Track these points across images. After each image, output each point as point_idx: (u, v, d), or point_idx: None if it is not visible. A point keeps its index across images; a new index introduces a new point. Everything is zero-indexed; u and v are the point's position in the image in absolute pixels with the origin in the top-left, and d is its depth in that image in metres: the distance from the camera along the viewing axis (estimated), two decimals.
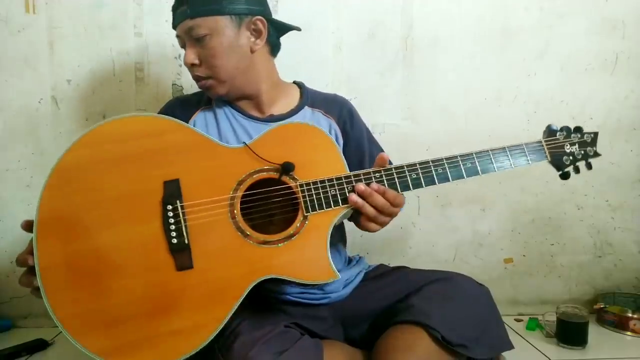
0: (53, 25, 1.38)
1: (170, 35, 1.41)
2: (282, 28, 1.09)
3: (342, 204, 0.87)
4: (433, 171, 0.89)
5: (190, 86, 1.44)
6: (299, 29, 1.11)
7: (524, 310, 1.56)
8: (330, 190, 0.88)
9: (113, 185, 0.81)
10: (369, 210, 0.86)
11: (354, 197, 0.86)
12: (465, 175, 0.90)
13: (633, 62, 1.54)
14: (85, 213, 0.79)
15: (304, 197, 0.87)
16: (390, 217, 0.89)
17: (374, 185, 0.87)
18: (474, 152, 0.92)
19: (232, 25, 0.98)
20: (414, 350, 0.85)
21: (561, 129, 0.97)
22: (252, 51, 1.02)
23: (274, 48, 1.09)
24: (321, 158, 0.91)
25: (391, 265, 1.17)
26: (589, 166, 0.97)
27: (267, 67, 1.08)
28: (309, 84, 1.18)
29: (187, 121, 1.07)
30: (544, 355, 1.26)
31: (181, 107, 1.10)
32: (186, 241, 0.81)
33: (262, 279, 0.82)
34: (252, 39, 1.01)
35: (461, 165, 0.90)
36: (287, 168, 0.87)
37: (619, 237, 1.59)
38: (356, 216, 0.91)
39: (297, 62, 1.45)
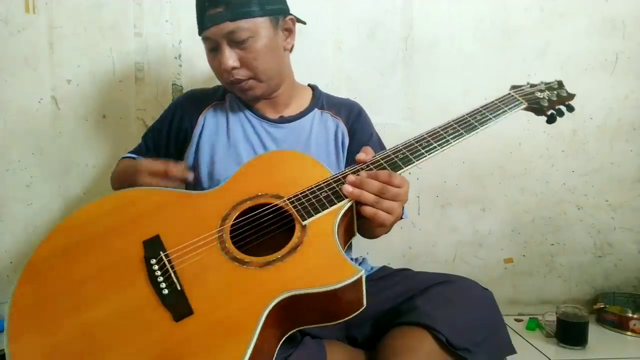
0: (53, 25, 1.38)
1: (170, 35, 1.42)
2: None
3: (337, 202, 0.81)
4: (419, 146, 0.87)
5: (190, 86, 1.44)
6: (304, 23, 1.12)
7: (524, 310, 1.56)
8: (320, 193, 0.83)
9: (90, 265, 0.76)
10: (368, 197, 0.79)
11: (348, 187, 0.81)
12: (452, 142, 0.88)
13: (633, 62, 1.54)
14: (63, 300, 0.72)
15: (295, 208, 0.81)
16: (395, 200, 0.80)
17: (363, 173, 0.83)
18: (453, 120, 0.92)
19: (270, 26, 0.97)
20: (417, 352, 0.83)
21: (525, 84, 1.00)
22: (285, 50, 1.03)
23: (292, 46, 1.10)
24: (303, 173, 0.87)
25: (393, 267, 1.17)
26: (569, 108, 0.98)
27: (290, 66, 1.10)
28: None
29: (197, 115, 1.08)
30: (544, 355, 1.26)
31: (190, 102, 1.11)
32: (178, 287, 0.73)
33: (278, 299, 0.71)
34: (284, 38, 1.02)
35: (446, 136, 0.89)
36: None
37: (619, 237, 1.59)
38: (362, 220, 0.86)
39: (297, 62, 1.44)
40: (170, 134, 1.10)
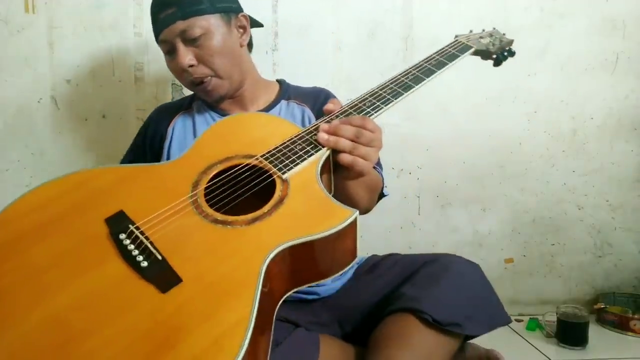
0: (53, 25, 1.38)
1: None
2: (251, 24, 1.12)
3: (314, 152, 0.79)
4: (383, 93, 0.89)
5: None
6: (261, 25, 1.16)
7: (524, 310, 1.56)
8: (295, 147, 0.80)
9: (47, 251, 0.68)
10: (345, 143, 0.77)
11: (323, 135, 0.79)
12: (414, 86, 0.92)
13: (633, 62, 1.54)
14: (23, 291, 0.65)
15: (272, 163, 0.78)
16: (370, 145, 0.78)
17: (335, 120, 0.82)
18: (411, 67, 0.95)
19: (222, 23, 0.99)
20: (408, 338, 0.83)
21: (468, 32, 1.07)
22: (240, 46, 1.04)
23: (250, 44, 1.12)
24: (271, 131, 0.84)
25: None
26: (510, 53, 1.05)
27: (250, 63, 1.10)
28: (309, 84, 1.18)
29: (166, 127, 1.09)
30: (544, 355, 1.26)
31: (159, 116, 1.12)
32: (159, 257, 0.67)
33: (275, 251, 0.66)
34: (239, 35, 1.04)
35: (407, 81, 0.91)
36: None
37: (619, 237, 1.59)
38: (340, 171, 0.82)
39: (297, 62, 1.45)
40: (146, 149, 1.11)
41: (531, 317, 1.47)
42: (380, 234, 1.53)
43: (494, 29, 1.10)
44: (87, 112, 1.41)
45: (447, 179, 1.55)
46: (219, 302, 0.62)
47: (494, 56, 1.05)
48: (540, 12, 1.52)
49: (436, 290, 0.88)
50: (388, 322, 0.88)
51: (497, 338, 1.39)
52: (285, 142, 0.81)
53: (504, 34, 1.09)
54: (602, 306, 1.48)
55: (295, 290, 0.73)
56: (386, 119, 1.52)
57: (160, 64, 1.43)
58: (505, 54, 1.05)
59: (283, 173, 0.76)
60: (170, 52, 0.99)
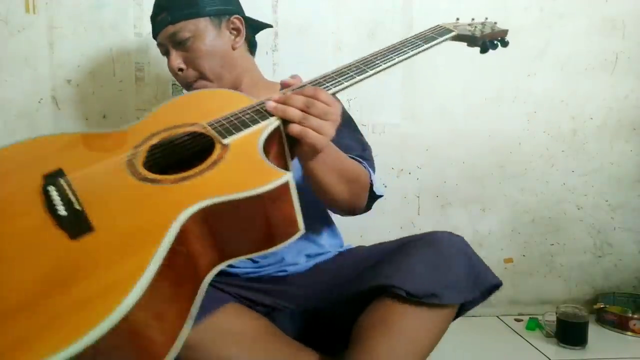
0: (53, 25, 1.38)
1: None
2: (256, 26, 1.12)
3: (261, 121, 0.75)
4: (348, 71, 0.86)
5: None
6: (271, 26, 1.15)
7: (524, 310, 1.56)
8: (243, 115, 0.77)
9: None
10: (294, 112, 0.74)
11: (271, 103, 0.76)
12: (382, 65, 0.88)
13: (633, 62, 1.54)
14: None
15: (215, 129, 0.76)
16: (324, 119, 0.75)
17: (288, 90, 0.80)
18: (385, 49, 0.92)
19: (212, 26, 1.00)
20: (390, 325, 0.78)
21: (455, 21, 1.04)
22: (233, 49, 1.04)
23: (251, 46, 1.12)
24: (227, 104, 0.82)
25: None
26: (503, 43, 1.03)
27: (248, 64, 1.09)
28: None
29: None
30: (544, 355, 1.26)
31: None
32: (77, 207, 0.67)
33: (193, 209, 0.63)
34: (232, 38, 1.04)
35: (376, 60, 0.88)
36: None
37: (619, 237, 1.59)
38: (296, 147, 0.79)
39: (297, 62, 1.45)
40: None
41: (531, 317, 1.47)
42: (380, 234, 1.52)
43: (486, 18, 1.09)
44: (87, 112, 1.41)
45: (447, 179, 1.55)
46: (123, 252, 0.62)
47: (481, 42, 1.02)
48: (540, 12, 1.52)
49: (410, 263, 0.82)
50: (370, 311, 0.83)
51: (497, 338, 1.40)
52: (234, 112, 0.79)
53: (497, 25, 1.08)
54: (601, 306, 1.48)
55: (230, 261, 0.70)
56: (386, 119, 1.53)
57: (160, 64, 1.43)
58: (496, 42, 1.02)
59: (224, 138, 0.74)
60: (166, 54, 1.03)
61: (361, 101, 1.48)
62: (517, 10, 1.51)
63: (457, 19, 1.06)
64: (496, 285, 0.86)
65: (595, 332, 1.37)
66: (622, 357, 1.26)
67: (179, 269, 0.62)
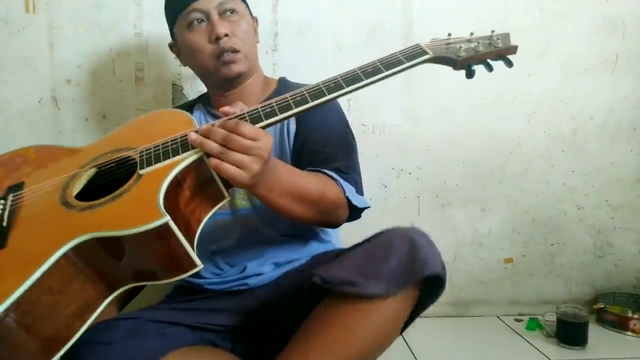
0: (53, 25, 1.38)
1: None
2: None
3: (182, 152, 0.75)
4: (291, 101, 0.78)
5: (189, 86, 1.44)
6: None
7: (524, 310, 1.56)
8: (171, 144, 0.77)
9: None
10: (211, 146, 0.73)
11: (192, 135, 0.75)
12: (330, 95, 0.78)
13: (633, 62, 1.54)
14: None
15: (140, 158, 0.77)
16: (245, 154, 0.72)
17: (217, 122, 0.77)
18: (339, 76, 0.80)
19: (248, 14, 1.08)
20: (319, 320, 0.77)
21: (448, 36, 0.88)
22: (256, 42, 1.11)
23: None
24: (172, 128, 0.82)
25: None
26: (508, 62, 0.88)
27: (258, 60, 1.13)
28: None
29: None
30: (544, 355, 1.26)
31: None
32: (4, 224, 0.75)
33: (78, 240, 0.66)
34: (254, 31, 1.10)
35: (325, 91, 0.78)
36: None
37: (619, 237, 1.59)
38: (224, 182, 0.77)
39: (297, 62, 1.45)
40: None
41: (531, 317, 1.47)
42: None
43: (493, 31, 0.90)
44: (87, 112, 1.41)
45: (447, 179, 1.55)
46: (10, 270, 0.67)
47: (466, 65, 0.89)
48: (540, 13, 1.52)
49: (345, 256, 0.80)
50: (310, 317, 0.80)
51: (497, 338, 1.40)
52: (166, 139, 0.79)
53: (498, 38, 0.88)
54: (601, 306, 1.48)
55: (123, 289, 0.72)
56: (386, 119, 1.53)
57: (160, 64, 1.43)
58: (494, 64, 0.89)
59: (141, 168, 0.76)
60: (196, 22, 1.00)
61: (361, 101, 1.49)
62: (517, 11, 1.51)
63: (449, 34, 0.90)
64: (436, 277, 0.77)
65: (595, 332, 1.37)
66: (622, 357, 1.26)
67: (53, 289, 0.66)
